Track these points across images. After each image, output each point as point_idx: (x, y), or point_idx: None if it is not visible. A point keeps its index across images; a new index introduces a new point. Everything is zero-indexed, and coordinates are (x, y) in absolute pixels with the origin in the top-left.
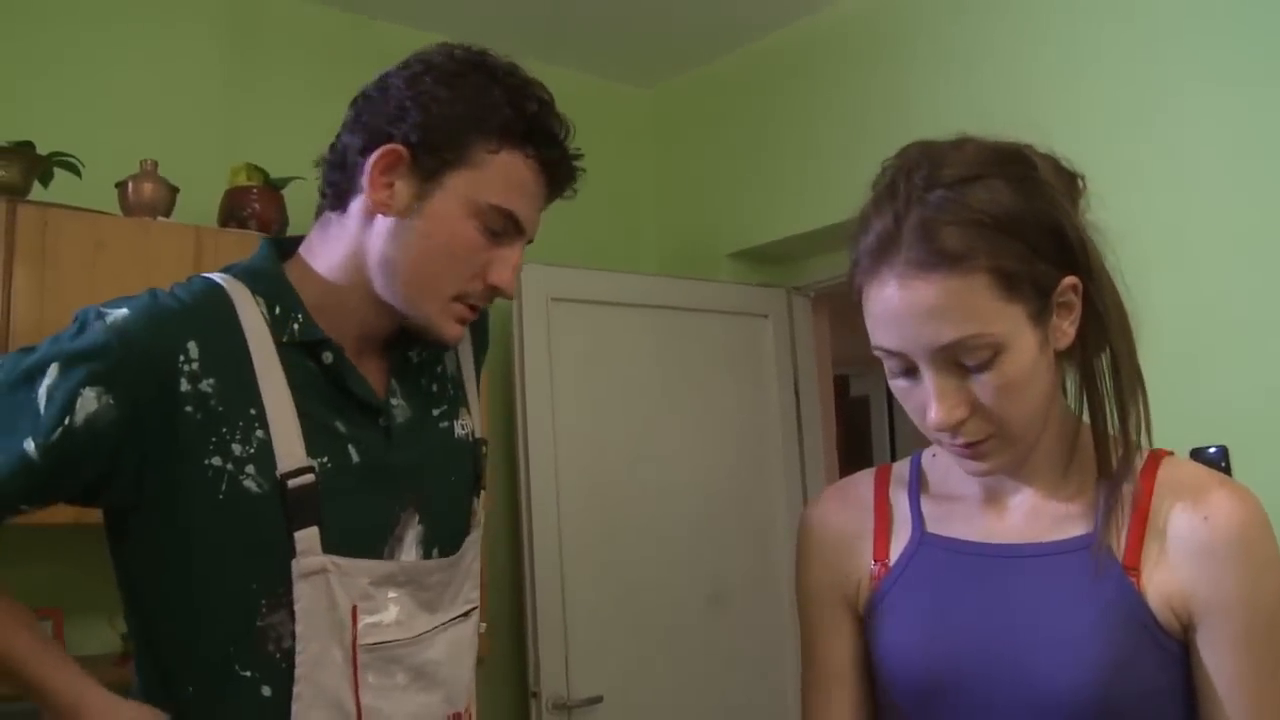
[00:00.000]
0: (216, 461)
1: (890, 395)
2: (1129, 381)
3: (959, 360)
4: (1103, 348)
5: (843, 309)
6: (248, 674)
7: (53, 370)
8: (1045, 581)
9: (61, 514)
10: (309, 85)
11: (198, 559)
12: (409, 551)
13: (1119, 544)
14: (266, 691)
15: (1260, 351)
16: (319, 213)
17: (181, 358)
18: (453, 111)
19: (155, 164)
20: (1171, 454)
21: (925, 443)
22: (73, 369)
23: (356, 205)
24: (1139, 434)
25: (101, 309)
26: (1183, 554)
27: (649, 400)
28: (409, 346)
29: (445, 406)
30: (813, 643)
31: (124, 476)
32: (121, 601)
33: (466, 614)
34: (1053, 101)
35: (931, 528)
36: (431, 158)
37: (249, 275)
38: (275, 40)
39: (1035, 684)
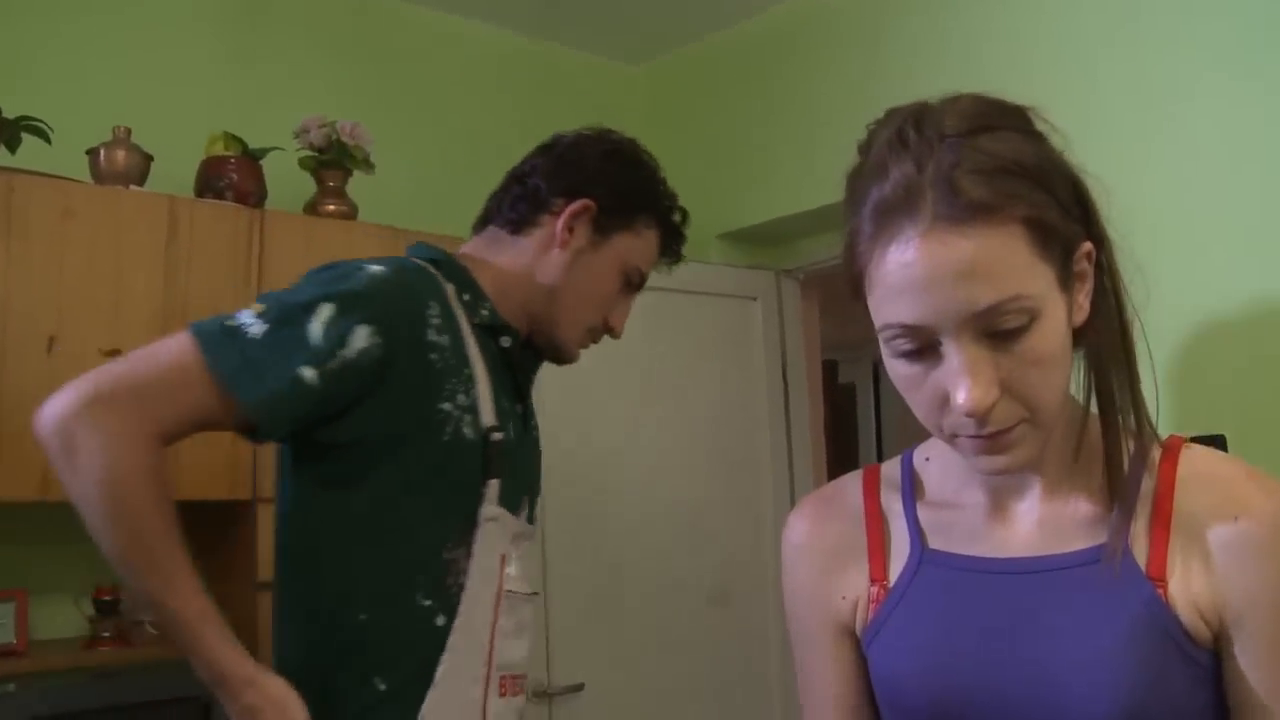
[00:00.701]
0: (447, 406)
1: (879, 382)
2: (1136, 365)
3: (991, 330)
4: (1112, 327)
5: (833, 293)
6: (428, 603)
7: (327, 308)
8: (1063, 598)
9: (26, 490)
10: (291, 55)
11: (412, 491)
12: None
13: (1141, 549)
14: (440, 621)
15: (1263, 338)
16: (479, 228)
17: (428, 312)
18: (635, 190)
19: (128, 130)
20: (1188, 442)
21: (914, 436)
22: (348, 308)
23: (537, 235)
24: (1152, 423)
25: (359, 263)
26: (1212, 557)
27: (634, 382)
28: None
29: (530, 405)
30: (808, 668)
31: (382, 407)
32: (284, 530)
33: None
34: (1054, 81)
35: (933, 542)
36: (610, 219)
37: (435, 264)
38: (260, 6)
39: (1059, 713)
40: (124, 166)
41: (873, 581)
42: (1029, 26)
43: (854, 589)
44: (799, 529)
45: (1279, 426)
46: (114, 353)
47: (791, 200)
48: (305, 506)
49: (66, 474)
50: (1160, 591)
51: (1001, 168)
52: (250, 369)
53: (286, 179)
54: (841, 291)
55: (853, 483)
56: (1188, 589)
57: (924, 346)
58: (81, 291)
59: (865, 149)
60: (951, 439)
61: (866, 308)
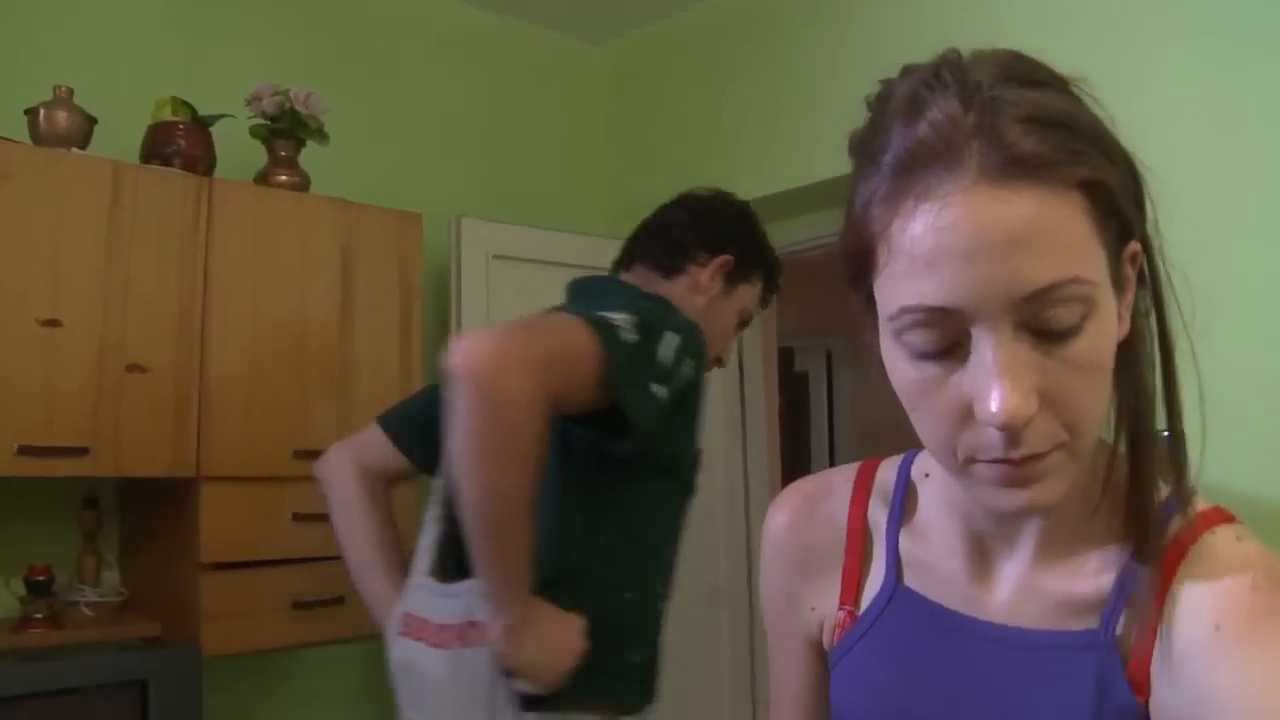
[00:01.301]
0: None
1: (832, 372)
2: (1181, 408)
3: (1036, 324)
4: (1152, 353)
5: (791, 279)
6: (659, 589)
7: (672, 338)
8: (1035, 681)
9: None
10: (245, 20)
11: (674, 495)
12: None
13: (1129, 645)
14: (662, 605)
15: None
16: (626, 266)
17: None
18: (758, 249)
19: (70, 91)
20: (1230, 520)
21: (867, 430)
22: (686, 341)
23: (683, 281)
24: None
25: (650, 294)
26: (1185, 669)
27: None
28: None
29: None
30: (773, 659)
31: (676, 431)
32: (585, 523)
33: None
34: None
35: (908, 578)
36: (740, 273)
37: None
38: None
39: None
40: (65, 128)
41: (841, 605)
42: (1005, 3)
43: (824, 605)
44: (780, 524)
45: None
46: (52, 323)
47: (752, 184)
48: (606, 506)
49: (476, 411)
50: (1140, 700)
51: (1057, 121)
52: (630, 373)
53: (237, 148)
54: (808, 274)
55: (843, 485)
56: (1164, 703)
57: (948, 343)
58: (17, 259)
59: (879, 100)
60: (966, 465)
61: (867, 293)
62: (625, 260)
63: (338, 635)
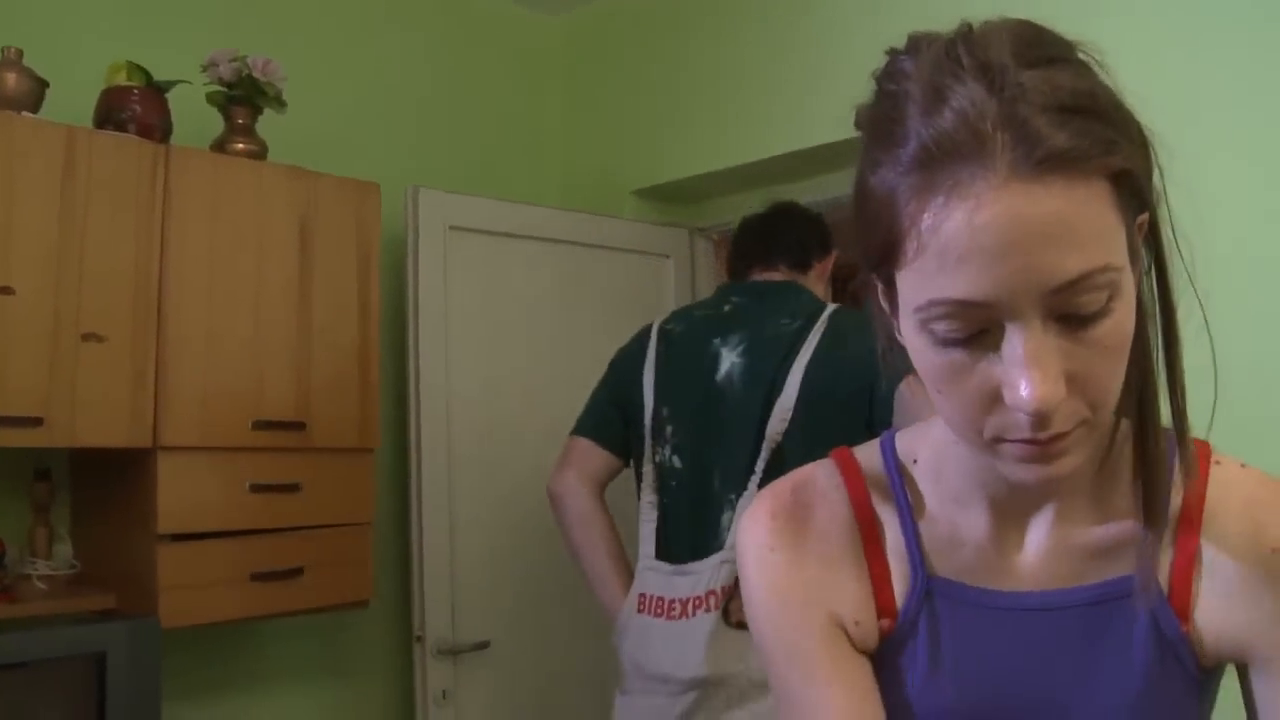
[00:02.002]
0: None
1: None
2: (1182, 365)
3: (1065, 311)
4: (1158, 316)
5: None
6: None
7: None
8: (1085, 640)
9: None
10: None
11: None
12: None
13: (1164, 577)
14: None
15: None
16: (764, 266)
17: None
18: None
19: (20, 52)
20: (1218, 457)
21: None
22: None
23: (812, 274)
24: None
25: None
26: (1242, 591)
27: (546, 337)
28: None
29: None
30: (806, 697)
31: None
32: None
33: None
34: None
35: (938, 568)
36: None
37: None
38: None
39: None
40: (15, 91)
41: (882, 613)
42: None
43: (866, 616)
44: (780, 535)
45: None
46: (4, 290)
47: (708, 158)
48: None
49: None
50: (1185, 629)
51: (1081, 107)
52: None
53: (193, 114)
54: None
55: (830, 482)
56: (1213, 625)
57: (976, 331)
58: None
59: (892, 77)
60: (993, 444)
61: (888, 277)
62: (765, 260)
63: (297, 606)
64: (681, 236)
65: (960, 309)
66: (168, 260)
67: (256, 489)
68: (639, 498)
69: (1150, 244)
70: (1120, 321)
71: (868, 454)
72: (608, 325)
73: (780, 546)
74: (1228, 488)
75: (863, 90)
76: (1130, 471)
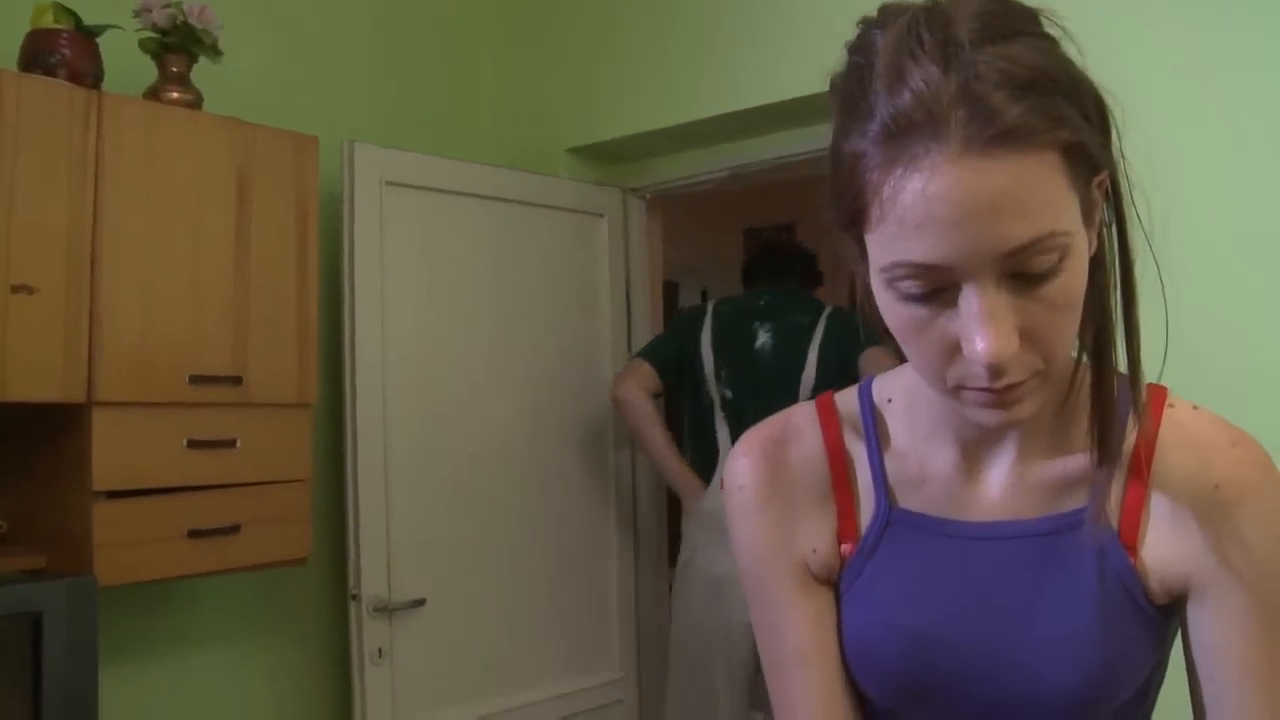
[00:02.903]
0: None
1: (708, 303)
2: (1137, 312)
3: (1017, 271)
4: (1115, 267)
5: (678, 214)
6: None
7: None
8: (1038, 568)
9: None
10: None
11: None
12: None
13: (1114, 511)
14: None
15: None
16: (775, 281)
17: None
18: None
19: None
20: (1172, 400)
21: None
22: None
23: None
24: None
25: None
26: (1188, 525)
27: (481, 294)
28: None
29: None
30: (773, 625)
31: None
32: None
33: None
34: None
35: (901, 500)
36: None
37: None
38: None
39: (1031, 686)
40: None
41: (843, 538)
42: None
43: (824, 543)
44: (751, 474)
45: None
46: None
47: (644, 118)
48: None
49: None
50: (1132, 560)
51: (1034, 82)
52: None
53: (124, 61)
54: (695, 212)
55: (807, 421)
56: (1159, 557)
57: (937, 288)
58: None
59: (861, 50)
60: (955, 391)
61: (858, 237)
62: (777, 278)
63: (234, 564)
64: (616, 196)
65: (919, 270)
66: (101, 210)
67: (194, 445)
68: (704, 423)
69: (1111, 200)
70: (1070, 281)
71: (847, 397)
72: (542, 282)
73: (749, 485)
74: (1179, 428)
75: (799, 52)
76: (1085, 410)
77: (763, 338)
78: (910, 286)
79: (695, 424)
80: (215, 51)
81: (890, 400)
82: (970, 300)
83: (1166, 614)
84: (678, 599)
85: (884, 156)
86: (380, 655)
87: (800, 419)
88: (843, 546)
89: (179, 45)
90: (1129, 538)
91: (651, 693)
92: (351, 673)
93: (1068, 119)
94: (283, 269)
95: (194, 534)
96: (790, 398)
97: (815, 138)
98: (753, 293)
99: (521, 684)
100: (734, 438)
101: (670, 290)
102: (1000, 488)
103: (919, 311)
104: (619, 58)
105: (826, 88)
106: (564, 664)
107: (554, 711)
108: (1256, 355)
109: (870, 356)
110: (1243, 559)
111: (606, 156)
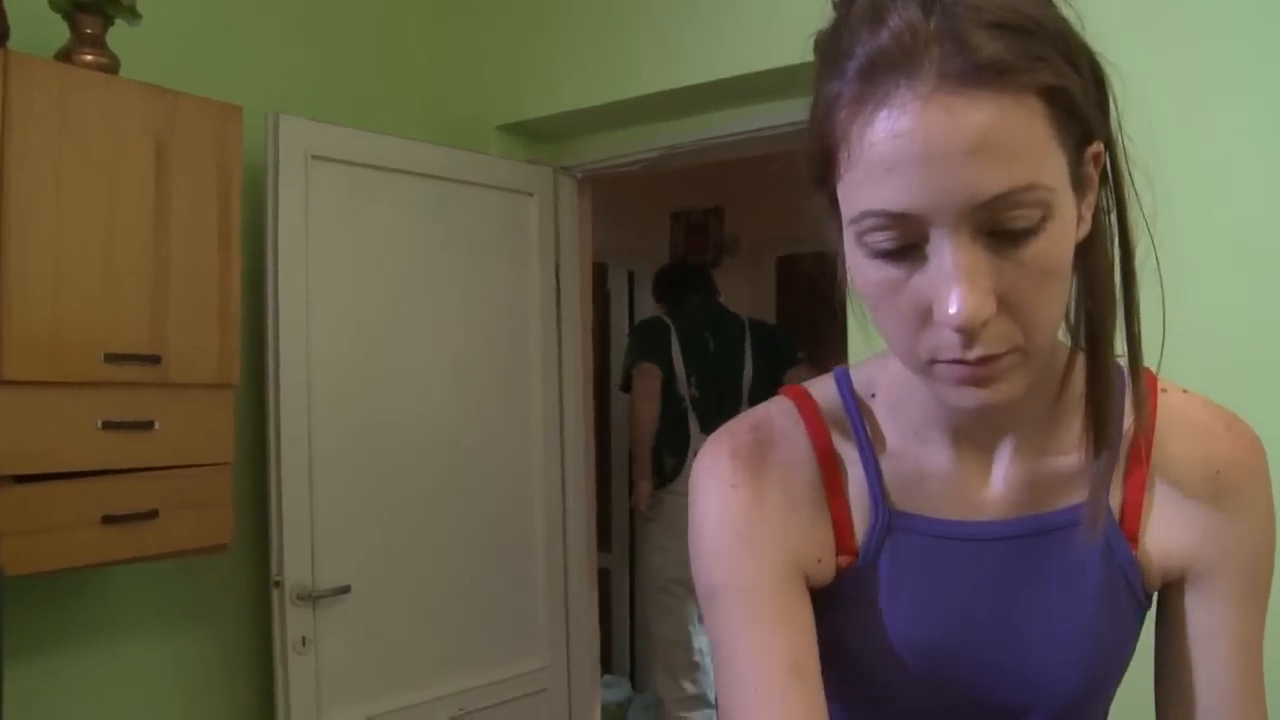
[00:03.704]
0: None
1: (633, 293)
2: (1137, 298)
3: (994, 228)
4: (1112, 248)
5: (606, 196)
6: None
7: None
8: (1042, 566)
9: None
10: None
11: None
12: None
13: (1116, 501)
14: None
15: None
16: (695, 295)
17: None
18: None
19: None
20: (1164, 385)
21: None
22: None
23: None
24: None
25: None
26: (1190, 510)
27: (408, 272)
28: None
29: None
30: (760, 639)
31: None
32: None
33: None
34: None
35: (898, 502)
36: None
37: None
38: None
39: (1039, 689)
40: None
41: (841, 550)
42: None
43: (825, 553)
44: (742, 473)
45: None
46: None
47: (576, 96)
48: None
49: None
50: (1134, 550)
51: (1020, 24)
52: None
53: (33, 21)
54: (632, 191)
55: (789, 420)
56: (1160, 545)
57: (907, 244)
58: None
59: (847, 3)
60: (927, 366)
61: (831, 195)
62: (701, 293)
63: (151, 551)
64: (546, 175)
65: (889, 220)
66: (8, 178)
67: (108, 426)
68: (680, 420)
69: (1110, 179)
70: (1053, 244)
71: (824, 390)
72: (471, 262)
73: (742, 484)
74: (1174, 414)
75: (734, 31)
76: (1084, 402)
77: (712, 345)
78: (880, 240)
79: (672, 421)
80: (133, 14)
81: (874, 394)
82: (943, 254)
83: (1149, 602)
84: (650, 535)
85: (856, 95)
86: (304, 644)
87: (782, 420)
88: (840, 558)
89: (93, 5)
90: (1131, 528)
91: (581, 680)
92: (274, 663)
93: (1049, 61)
94: (204, 244)
95: (108, 520)
96: (736, 394)
97: (747, 119)
98: (695, 305)
99: (448, 672)
100: (704, 430)
101: (599, 272)
102: (1001, 485)
103: (890, 272)
104: (552, 34)
105: (764, 66)
106: (491, 652)
107: (481, 700)
108: (1255, 343)
109: (794, 376)
110: (1242, 543)
111: (537, 134)
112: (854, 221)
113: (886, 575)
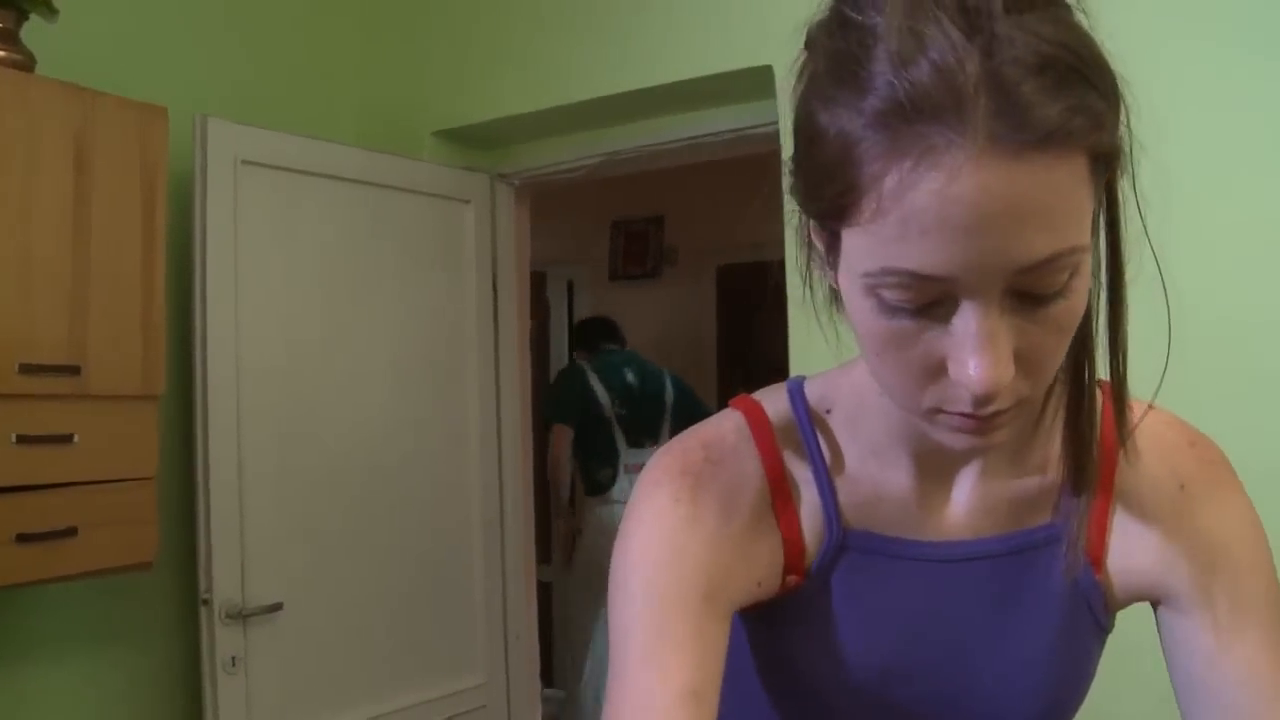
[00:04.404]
0: None
1: (572, 301)
2: (1126, 325)
3: (1024, 289)
4: (1101, 270)
5: (545, 204)
6: None
7: None
8: (1002, 589)
9: None
10: None
11: None
12: None
13: (1082, 528)
14: None
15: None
16: (609, 344)
17: None
18: None
19: None
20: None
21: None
22: None
23: None
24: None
25: None
26: (1158, 529)
27: (342, 281)
28: None
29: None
30: (660, 657)
31: None
32: None
33: None
34: None
35: (854, 523)
36: None
37: None
38: None
39: (986, 712)
40: None
41: (789, 570)
42: None
43: (769, 574)
44: (694, 489)
45: None
46: None
47: (513, 101)
48: None
49: None
50: (1098, 576)
51: (1069, 71)
52: None
53: None
54: (579, 202)
55: (738, 437)
56: (1125, 564)
57: (928, 303)
58: None
59: (857, 4)
60: (929, 413)
61: (833, 229)
62: (617, 341)
63: (70, 570)
64: (483, 182)
65: (916, 281)
66: None
67: (24, 440)
68: (604, 434)
69: (1104, 196)
70: (1076, 302)
71: (776, 404)
72: (406, 270)
73: (685, 501)
74: (1139, 432)
75: (674, 36)
76: (1053, 423)
77: (631, 377)
78: (899, 297)
79: (596, 437)
80: (50, 9)
81: (830, 411)
82: (968, 319)
83: (1111, 626)
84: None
85: (888, 141)
86: (234, 664)
87: (732, 436)
88: (789, 577)
89: (5, 0)
90: (1094, 551)
91: (520, 696)
92: (203, 683)
93: (1103, 120)
94: (127, 249)
95: (23, 538)
96: (659, 411)
97: (689, 125)
98: (612, 352)
99: (384, 691)
100: (629, 441)
101: (537, 281)
102: (963, 507)
103: (904, 324)
104: (490, 37)
105: (706, 72)
106: (428, 669)
107: (419, 718)
108: (1255, 354)
109: None
110: (1222, 556)
111: (473, 141)
112: (870, 275)
113: (839, 595)
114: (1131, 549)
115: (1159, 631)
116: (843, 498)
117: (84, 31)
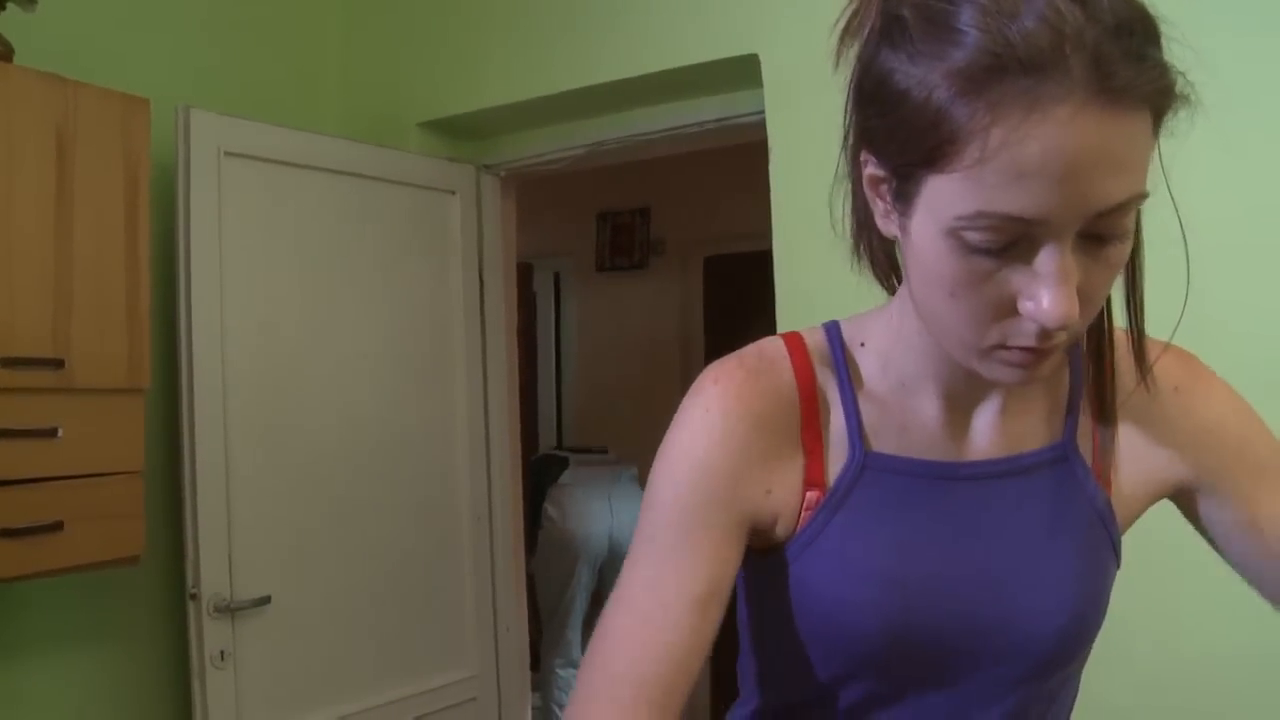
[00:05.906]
0: None
1: (559, 293)
2: (1143, 264)
3: (1095, 231)
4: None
5: (531, 196)
6: None
7: None
8: (1018, 508)
9: None
10: None
11: None
12: None
13: (1087, 447)
14: None
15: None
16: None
17: None
18: None
19: None
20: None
21: (602, 349)
22: None
23: None
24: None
25: None
26: (1157, 435)
27: (327, 273)
28: None
29: None
30: (670, 561)
31: None
32: None
33: None
34: None
35: (876, 444)
36: None
37: None
38: None
39: (1014, 632)
40: None
41: (809, 485)
42: None
43: (783, 486)
44: (723, 397)
45: None
46: None
47: (499, 92)
48: None
49: None
50: (1106, 490)
51: (1144, 28)
52: None
53: None
54: (553, 193)
55: (778, 353)
56: (1129, 480)
57: (1009, 243)
58: None
59: None
60: (988, 350)
61: (904, 177)
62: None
63: (57, 565)
64: (468, 173)
65: (1008, 223)
66: None
67: (7, 434)
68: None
69: None
70: (1129, 245)
71: (814, 335)
72: (392, 261)
73: (715, 410)
74: (1119, 355)
75: (660, 26)
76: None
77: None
78: (985, 239)
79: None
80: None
81: (863, 344)
82: (1047, 258)
83: (1120, 555)
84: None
85: (991, 93)
86: (222, 658)
87: (770, 350)
88: (808, 493)
89: None
90: (1100, 469)
91: (511, 687)
92: (191, 677)
93: (1167, 77)
94: (110, 241)
95: (8, 534)
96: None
97: (675, 114)
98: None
99: (373, 684)
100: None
101: (524, 273)
102: (983, 433)
103: (982, 264)
104: (474, 28)
105: (692, 61)
106: (417, 662)
107: (407, 712)
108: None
109: None
110: (1228, 436)
111: (459, 132)
112: (963, 217)
113: (859, 517)
114: (1136, 459)
115: (1199, 525)
116: (868, 420)
117: (63, 21)
